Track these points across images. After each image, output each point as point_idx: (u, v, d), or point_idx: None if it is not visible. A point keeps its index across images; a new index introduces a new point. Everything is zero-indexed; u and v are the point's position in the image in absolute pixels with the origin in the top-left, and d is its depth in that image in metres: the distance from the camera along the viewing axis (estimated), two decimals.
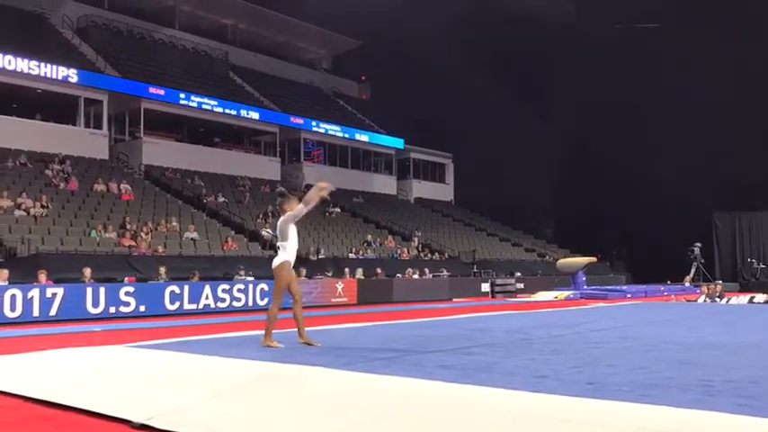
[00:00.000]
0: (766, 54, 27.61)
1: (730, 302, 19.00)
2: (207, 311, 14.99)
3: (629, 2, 29.98)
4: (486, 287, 23.07)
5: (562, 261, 25.80)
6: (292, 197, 7.65)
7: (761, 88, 27.26)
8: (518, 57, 32.87)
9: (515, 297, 22.52)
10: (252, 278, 17.05)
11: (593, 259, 24.82)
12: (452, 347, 7.48)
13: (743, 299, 20.06)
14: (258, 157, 31.81)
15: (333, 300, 18.19)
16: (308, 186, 30.65)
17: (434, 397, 4.52)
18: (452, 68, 33.62)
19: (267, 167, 31.06)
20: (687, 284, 26.52)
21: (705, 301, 19.28)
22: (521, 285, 24.34)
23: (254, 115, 30.43)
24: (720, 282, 24.42)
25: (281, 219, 7.33)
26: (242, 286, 16.13)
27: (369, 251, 24.88)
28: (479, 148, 34.93)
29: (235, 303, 15.80)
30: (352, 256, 23.80)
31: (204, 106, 28.42)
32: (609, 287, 24.37)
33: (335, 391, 4.80)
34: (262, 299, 16.03)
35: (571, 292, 22.18)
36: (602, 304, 18.46)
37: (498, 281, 23.54)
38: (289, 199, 7.53)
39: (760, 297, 19.69)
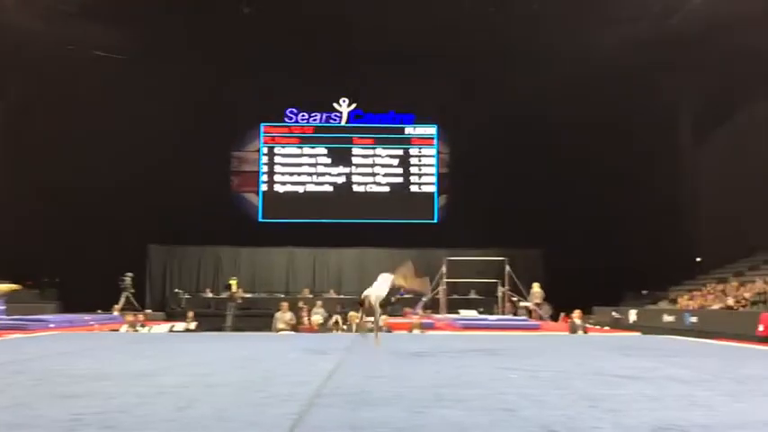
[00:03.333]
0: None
1: (152, 330, 19.76)
2: None
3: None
4: None
5: None
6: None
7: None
8: None
9: None
10: None
11: (16, 287, 22.74)
12: None
13: (165, 327, 21.19)
14: None
15: None
16: None
17: None
18: None
19: None
20: (116, 313, 26.66)
21: (128, 329, 19.60)
22: None
23: None
24: (148, 311, 25.33)
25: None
26: None
27: None
28: None
29: None
30: None
31: None
32: (31, 317, 22.69)
33: None
34: None
35: None
36: (19, 335, 17.07)
37: None
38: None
39: (179, 326, 21.20)
